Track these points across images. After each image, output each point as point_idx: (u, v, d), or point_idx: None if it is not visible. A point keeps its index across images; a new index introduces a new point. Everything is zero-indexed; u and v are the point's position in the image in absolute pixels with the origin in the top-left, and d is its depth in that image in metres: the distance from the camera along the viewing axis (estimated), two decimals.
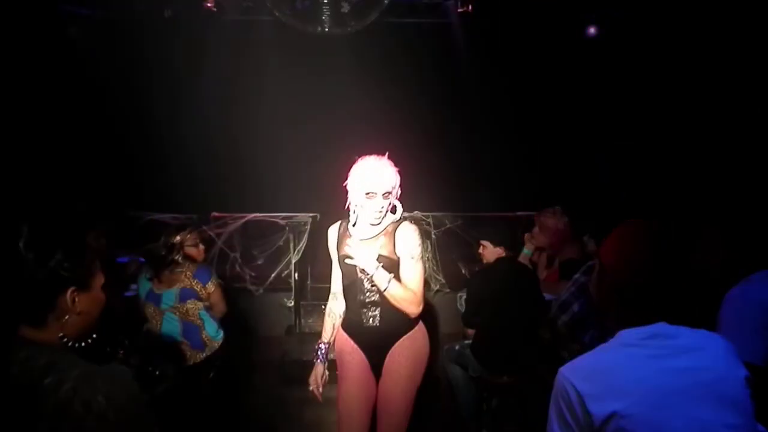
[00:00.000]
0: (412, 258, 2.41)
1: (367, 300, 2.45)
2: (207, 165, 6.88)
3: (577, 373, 1.32)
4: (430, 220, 5.49)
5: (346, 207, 2.51)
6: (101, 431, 1.08)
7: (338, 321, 2.68)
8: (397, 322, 2.44)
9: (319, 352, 2.66)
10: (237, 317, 3.75)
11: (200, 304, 3.21)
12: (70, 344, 1.21)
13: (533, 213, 4.18)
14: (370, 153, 2.48)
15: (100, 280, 1.30)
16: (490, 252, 3.44)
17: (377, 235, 2.47)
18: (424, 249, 2.45)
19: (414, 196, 5.88)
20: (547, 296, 3.50)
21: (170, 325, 3.19)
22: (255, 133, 6.96)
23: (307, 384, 2.65)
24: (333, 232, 2.61)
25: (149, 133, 6.75)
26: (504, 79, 7.14)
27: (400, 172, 2.47)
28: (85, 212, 3.93)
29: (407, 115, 7.03)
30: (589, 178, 6.92)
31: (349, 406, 2.49)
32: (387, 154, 2.48)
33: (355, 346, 2.53)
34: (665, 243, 1.36)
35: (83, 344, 1.25)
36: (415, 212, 5.49)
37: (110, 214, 4.66)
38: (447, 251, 5.51)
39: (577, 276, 3.02)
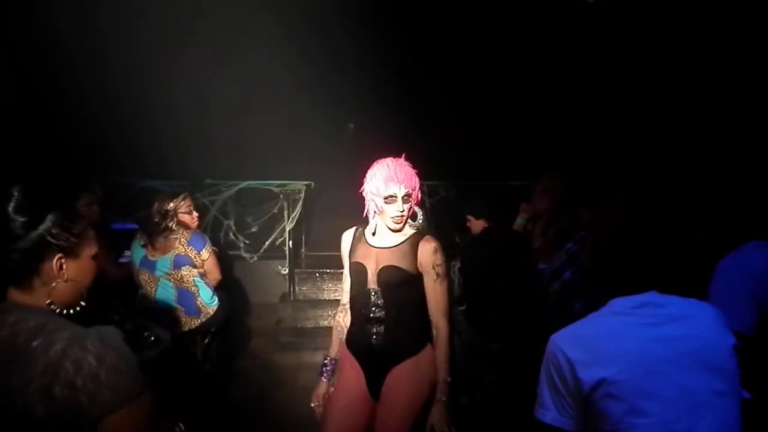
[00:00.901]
0: (438, 276, 2.28)
1: (373, 315, 2.28)
2: (200, 131, 6.82)
3: (568, 341, 1.34)
4: (425, 188, 5.48)
5: (364, 215, 2.38)
6: (92, 392, 1.08)
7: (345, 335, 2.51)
8: (401, 343, 2.28)
9: (324, 369, 2.47)
10: (231, 284, 3.77)
11: (195, 271, 3.22)
12: (57, 311, 1.21)
13: (528, 183, 4.17)
14: (380, 154, 2.36)
15: (92, 249, 1.29)
16: (474, 224, 3.47)
17: (399, 245, 2.31)
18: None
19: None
20: (541, 265, 3.52)
21: (165, 292, 3.20)
22: (249, 100, 6.88)
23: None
24: (347, 238, 2.46)
25: (140, 98, 6.65)
26: (502, 47, 7.05)
27: (418, 174, 2.34)
28: (81, 180, 3.89)
29: (402, 83, 6.95)
30: (586, 150, 6.91)
31: (334, 421, 2.31)
32: (404, 155, 2.35)
33: (355, 362, 2.35)
34: (658, 213, 1.36)
35: (71, 311, 1.24)
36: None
37: (103, 180, 4.63)
38: (441, 220, 5.52)
39: (569, 245, 3.04)
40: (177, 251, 3.17)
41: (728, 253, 2.10)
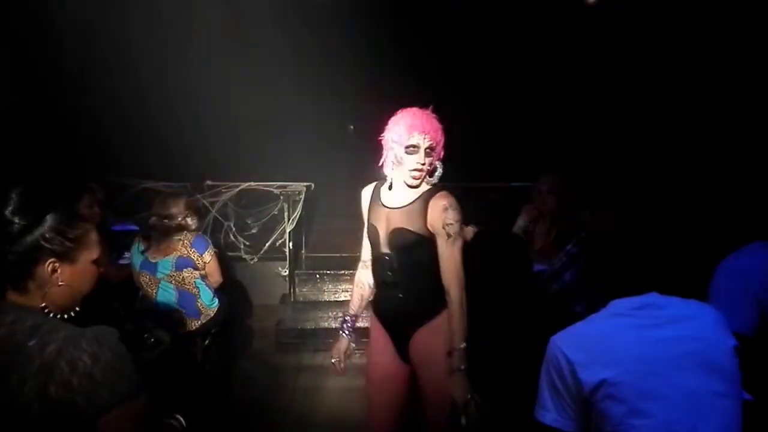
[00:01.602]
0: (449, 236, 2.10)
1: (389, 280, 2.21)
2: (201, 132, 6.82)
3: (569, 342, 1.34)
4: None
5: (380, 164, 2.21)
6: (88, 391, 1.08)
7: (367, 292, 2.46)
8: (419, 307, 2.20)
9: (345, 325, 2.43)
10: (232, 286, 3.77)
11: (196, 273, 3.22)
12: (51, 314, 1.21)
13: (528, 184, 4.16)
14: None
15: (91, 253, 1.28)
16: (465, 232, 3.47)
17: (411, 203, 2.15)
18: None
19: None
20: (541, 266, 3.51)
21: (166, 294, 3.19)
22: (249, 100, 6.89)
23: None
24: (366, 194, 2.33)
25: (141, 99, 6.66)
26: (501, 48, 7.06)
27: (444, 130, 2.16)
28: (81, 181, 3.89)
29: (402, 83, 6.95)
30: (586, 150, 6.91)
31: (374, 387, 2.31)
32: (431, 107, 2.18)
33: (381, 326, 2.31)
34: (658, 213, 1.36)
35: (66, 316, 1.24)
36: None
37: (103, 181, 4.63)
38: None
39: (569, 247, 3.03)
40: (179, 253, 3.17)
41: (729, 253, 2.10)
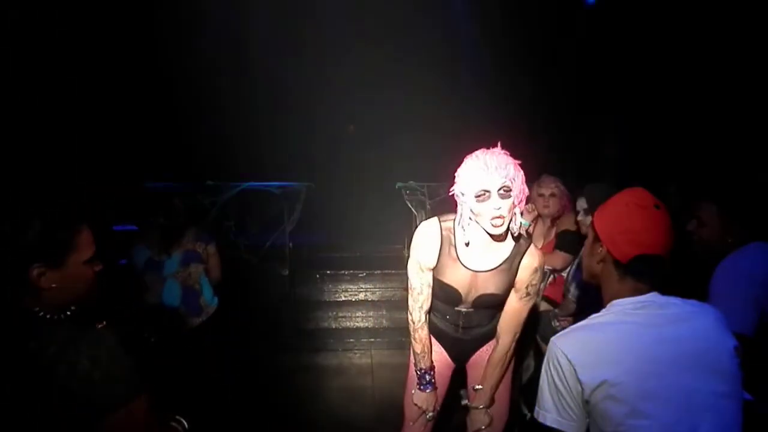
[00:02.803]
0: (528, 295, 2.02)
1: (462, 324, 2.19)
2: (202, 133, 6.83)
3: (570, 343, 1.34)
4: (425, 189, 5.48)
5: (458, 222, 1.97)
6: (87, 393, 1.08)
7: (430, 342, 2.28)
8: (486, 335, 2.24)
9: (428, 381, 2.22)
10: (231, 286, 3.76)
11: (201, 267, 3.22)
12: (48, 317, 1.20)
13: (528, 184, 4.16)
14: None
15: (81, 255, 1.26)
16: None
17: (500, 266, 1.99)
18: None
19: (410, 166, 5.90)
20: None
21: (171, 292, 3.19)
22: (250, 100, 6.89)
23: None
24: (433, 245, 2.02)
25: (141, 99, 6.66)
26: (501, 48, 7.05)
27: (521, 166, 1.94)
28: (76, 183, 3.90)
29: (403, 83, 6.96)
30: (586, 151, 6.91)
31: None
32: (499, 143, 1.96)
33: (442, 351, 2.30)
34: (659, 213, 1.36)
35: (59, 317, 1.23)
36: (410, 182, 5.49)
37: (104, 182, 4.63)
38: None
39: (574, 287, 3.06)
40: (185, 248, 3.17)
41: (729, 254, 2.10)
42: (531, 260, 1.99)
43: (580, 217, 3.40)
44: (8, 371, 1.07)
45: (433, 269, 2.05)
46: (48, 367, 1.07)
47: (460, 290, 2.04)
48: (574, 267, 3.05)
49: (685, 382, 1.26)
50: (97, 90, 6.45)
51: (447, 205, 5.50)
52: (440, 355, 2.30)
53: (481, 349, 2.27)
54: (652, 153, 6.12)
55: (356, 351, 4.72)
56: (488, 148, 1.94)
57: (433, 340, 2.26)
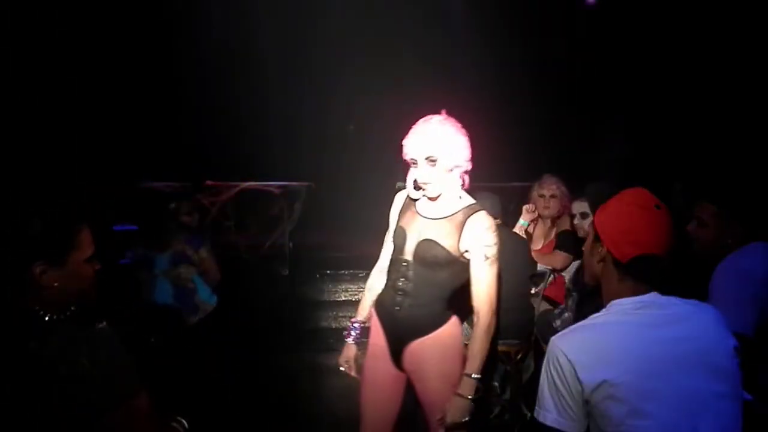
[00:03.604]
0: (486, 259, 2.00)
1: (400, 285, 2.11)
2: (202, 133, 6.83)
3: (569, 343, 1.33)
4: None
5: (409, 181, 2.15)
6: (86, 393, 1.08)
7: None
8: (421, 320, 2.11)
9: (352, 332, 2.33)
10: (231, 285, 3.77)
11: (192, 269, 3.24)
12: (47, 317, 1.20)
13: (527, 184, 4.16)
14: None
15: (82, 253, 1.26)
16: None
17: (446, 217, 2.07)
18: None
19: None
20: (542, 267, 3.52)
21: (163, 290, 3.22)
22: (249, 101, 6.89)
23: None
24: (400, 198, 2.27)
25: (141, 99, 6.66)
26: (502, 48, 7.05)
27: (470, 138, 2.07)
28: (76, 182, 3.90)
29: (404, 83, 6.95)
30: (586, 150, 6.91)
31: (367, 389, 2.26)
32: (444, 111, 2.10)
33: (380, 329, 2.21)
34: (660, 214, 1.36)
35: (59, 317, 1.23)
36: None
37: (104, 182, 4.64)
38: None
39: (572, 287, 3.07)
40: (175, 249, 3.20)
41: (728, 254, 2.10)
42: (479, 219, 2.03)
43: (576, 221, 3.41)
44: (8, 371, 1.07)
45: (399, 215, 2.22)
46: (48, 367, 1.07)
47: (408, 232, 2.11)
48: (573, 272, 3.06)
49: (685, 382, 1.26)
50: (97, 90, 6.45)
51: None
52: (380, 336, 2.21)
53: (414, 343, 2.11)
54: (655, 153, 6.12)
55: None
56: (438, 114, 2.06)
57: (376, 321, 2.24)
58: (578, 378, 1.28)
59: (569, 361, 1.30)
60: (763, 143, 4.94)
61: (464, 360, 2.06)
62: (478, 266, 2.01)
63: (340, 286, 5.26)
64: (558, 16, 6.82)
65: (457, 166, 2.05)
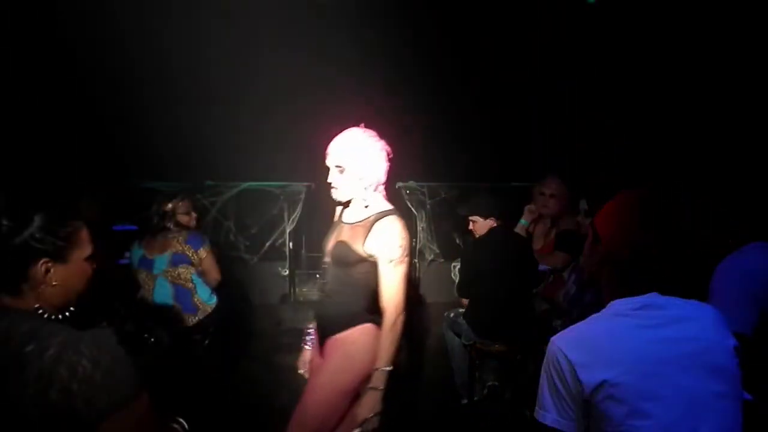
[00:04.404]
0: (390, 261, 2.11)
1: (322, 284, 2.32)
2: (202, 132, 6.81)
3: (569, 343, 1.33)
4: (425, 189, 5.49)
5: None
6: (88, 396, 1.07)
7: None
8: (335, 319, 2.24)
9: (305, 337, 2.49)
10: (231, 286, 3.77)
11: (192, 269, 3.24)
12: (46, 316, 1.19)
13: (528, 184, 4.17)
14: (361, 121, 2.28)
15: (83, 252, 1.27)
16: (480, 225, 3.45)
17: (358, 222, 2.22)
18: (413, 244, 2.17)
19: (410, 166, 5.90)
20: (542, 267, 3.52)
21: (162, 290, 3.21)
22: (249, 101, 6.88)
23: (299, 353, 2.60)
24: (339, 208, 2.45)
25: (141, 99, 6.65)
26: (502, 49, 7.05)
27: (392, 147, 2.23)
28: (76, 182, 3.89)
29: (405, 84, 6.94)
30: (586, 151, 6.90)
31: (307, 378, 2.39)
32: (363, 123, 2.27)
33: (315, 325, 2.41)
34: (659, 214, 1.36)
35: (60, 317, 1.23)
36: (410, 182, 5.49)
37: (104, 182, 4.63)
38: (441, 221, 5.53)
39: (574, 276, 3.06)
40: (174, 249, 3.20)
41: (728, 254, 2.10)
42: (383, 224, 2.15)
43: (580, 218, 3.40)
44: (9, 373, 1.07)
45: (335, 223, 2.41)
46: (49, 369, 1.06)
47: (331, 237, 2.31)
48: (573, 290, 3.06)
49: (685, 383, 1.26)
50: (97, 89, 6.45)
51: (447, 205, 5.54)
52: (315, 333, 2.39)
53: (330, 339, 2.24)
54: (657, 153, 6.11)
55: None
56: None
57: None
58: (578, 378, 1.28)
59: (569, 361, 1.30)
60: (763, 143, 4.94)
61: (367, 371, 2.14)
62: (384, 268, 2.13)
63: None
64: (561, 15, 6.81)
65: (366, 176, 2.18)
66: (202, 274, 3.31)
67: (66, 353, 1.08)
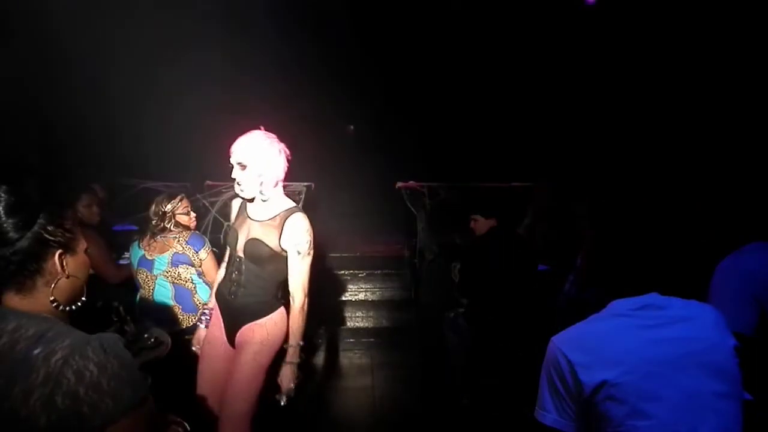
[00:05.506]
0: (299, 253, 2.41)
1: (234, 277, 2.49)
2: (201, 132, 6.81)
3: (569, 343, 1.33)
4: (425, 189, 5.48)
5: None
6: (94, 401, 1.06)
7: None
8: (252, 307, 2.49)
9: (201, 316, 2.75)
10: None
11: (192, 270, 3.23)
12: (61, 308, 1.20)
13: (528, 184, 4.17)
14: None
15: (83, 243, 1.28)
16: (482, 224, 3.45)
17: (269, 219, 2.46)
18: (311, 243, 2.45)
19: (410, 166, 5.90)
20: (541, 267, 3.52)
21: (162, 290, 3.21)
22: (249, 101, 6.88)
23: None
24: (235, 205, 2.68)
25: (141, 99, 6.65)
26: (503, 48, 7.05)
27: (289, 149, 2.50)
28: (81, 181, 3.89)
29: (405, 84, 6.96)
30: (586, 151, 6.90)
31: (203, 364, 2.58)
32: (262, 127, 2.57)
33: (219, 313, 2.60)
34: (659, 214, 1.36)
35: (74, 307, 1.23)
36: (410, 182, 5.49)
37: (104, 181, 4.62)
38: (441, 221, 5.52)
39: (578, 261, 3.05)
40: (175, 250, 3.19)
41: (728, 254, 2.10)
42: (293, 221, 2.40)
43: (578, 222, 3.41)
44: (15, 377, 1.06)
45: (234, 218, 2.62)
46: (55, 374, 1.05)
47: (239, 233, 2.50)
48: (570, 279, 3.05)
49: (685, 383, 1.26)
50: (97, 89, 6.45)
51: (447, 205, 5.52)
52: (217, 320, 2.59)
53: (246, 326, 2.48)
54: (656, 153, 6.11)
55: (356, 351, 4.72)
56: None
57: (216, 307, 2.62)
58: (578, 378, 1.28)
59: (569, 361, 1.30)
60: (762, 143, 4.94)
61: (283, 349, 2.48)
62: (292, 259, 2.42)
63: (340, 286, 5.27)
64: (559, 16, 6.81)
65: (265, 174, 2.41)
66: (202, 274, 3.30)
67: (73, 358, 1.07)
